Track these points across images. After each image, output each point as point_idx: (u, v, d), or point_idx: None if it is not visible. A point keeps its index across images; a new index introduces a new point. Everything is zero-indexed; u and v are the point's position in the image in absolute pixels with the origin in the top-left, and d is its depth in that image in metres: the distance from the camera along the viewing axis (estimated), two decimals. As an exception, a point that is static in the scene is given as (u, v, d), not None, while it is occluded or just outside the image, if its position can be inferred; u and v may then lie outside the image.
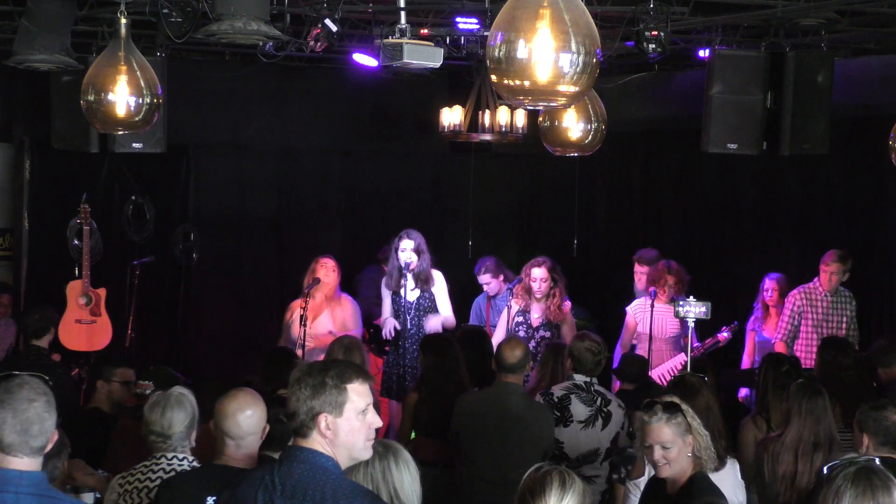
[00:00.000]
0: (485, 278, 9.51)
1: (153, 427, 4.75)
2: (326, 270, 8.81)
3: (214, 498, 4.24)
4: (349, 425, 3.44)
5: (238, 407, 4.40)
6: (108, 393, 6.91)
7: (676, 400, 4.56)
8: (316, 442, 3.43)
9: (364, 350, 7.29)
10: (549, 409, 6.37)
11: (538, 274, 8.70)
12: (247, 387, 5.43)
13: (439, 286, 8.85)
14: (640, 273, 9.61)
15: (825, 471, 3.17)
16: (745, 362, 9.30)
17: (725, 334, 9.10)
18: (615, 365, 8.11)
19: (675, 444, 4.45)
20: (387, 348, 8.90)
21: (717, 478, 5.07)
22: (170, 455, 4.74)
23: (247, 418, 4.39)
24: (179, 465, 4.73)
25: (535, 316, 8.74)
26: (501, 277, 9.50)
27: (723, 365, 9.15)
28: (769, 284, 9.23)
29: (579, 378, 6.52)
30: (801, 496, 5.42)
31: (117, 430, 6.32)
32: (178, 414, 4.74)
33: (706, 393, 5.39)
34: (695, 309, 8.21)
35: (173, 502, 4.36)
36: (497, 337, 8.50)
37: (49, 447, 3.39)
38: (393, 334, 8.75)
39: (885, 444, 4.87)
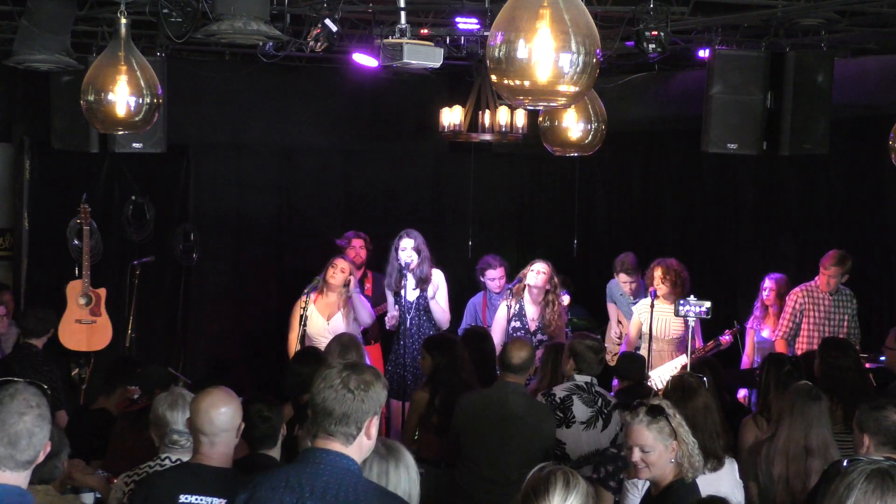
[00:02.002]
0: (498, 272, 9.44)
1: (176, 426, 4.73)
2: (334, 271, 8.77)
3: (186, 496, 4.25)
4: (377, 425, 3.47)
5: (211, 403, 4.34)
6: (123, 397, 6.92)
7: (665, 404, 4.52)
8: (348, 445, 3.40)
9: (362, 348, 7.30)
10: (551, 410, 6.38)
11: (540, 266, 8.69)
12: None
13: (440, 285, 8.88)
14: (626, 283, 9.71)
15: (845, 463, 3.17)
16: (745, 362, 9.31)
17: (727, 337, 9.10)
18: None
19: (654, 449, 4.39)
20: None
21: (715, 477, 5.08)
22: (174, 457, 4.73)
23: (220, 415, 4.32)
24: None
25: (532, 319, 8.73)
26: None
27: (724, 365, 9.15)
28: (768, 284, 9.25)
29: (580, 379, 6.53)
30: (795, 499, 5.42)
31: (115, 433, 6.33)
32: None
33: (704, 393, 5.39)
34: (695, 308, 8.23)
35: (147, 501, 4.35)
36: (495, 338, 8.44)
37: (41, 458, 3.30)
38: (393, 321, 8.78)
39: (885, 445, 4.86)
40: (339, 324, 8.70)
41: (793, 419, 5.51)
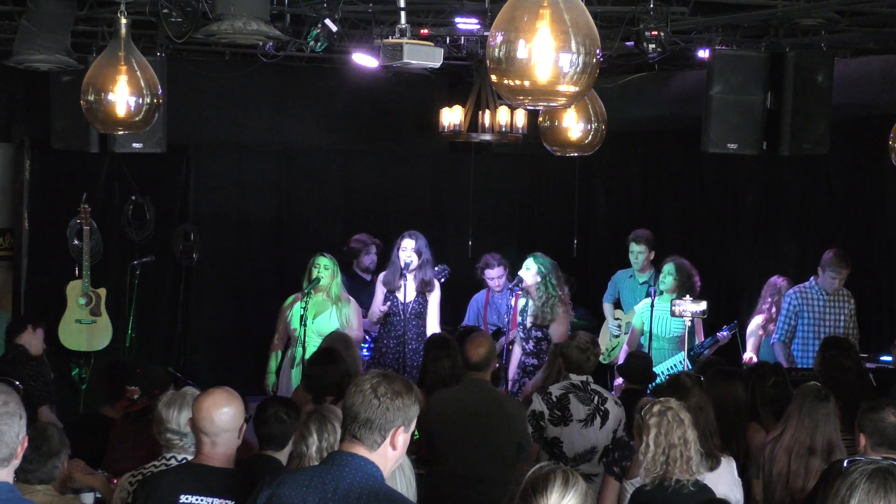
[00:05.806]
0: (497, 272, 9.44)
1: (169, 425, 4.73)
2: (317, 271, 8.53)
3: (187, 497, 4.25)
4: (407, 440, 3.47)
5: (213, 403, 4.32)
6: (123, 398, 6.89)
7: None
8: (373, 451, 3.41)
9: (351, 341, 7.29)
10: (549, 408, 6.39)
11: (527, 264, 8.72)
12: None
13: (434, 297, 8.86)
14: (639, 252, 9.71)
15: (845, 464, 3.18)
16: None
17: (725, 333, 9.10)
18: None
19: None
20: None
21: (712, 476, 5.08)
22: (180, 457, 4.74)
23: (222, 415, 4.31)
24: None
25: (529, 316, 8.72)
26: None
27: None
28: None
29: (576, 378, 6.54)
30: (794, 497, 5.44)
31: (114, 433, 6.33)
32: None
33: (698, 392, 5.41)
34: (692, 307, 8.23)
35: (149, 500, 4.35)
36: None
37: (18, 454, 3.18)
38: (382, 312, 8.76)
39: (881, 445, 4.89)
40: (326, 325, 8.47)
41: (800, 419, 5.53)
